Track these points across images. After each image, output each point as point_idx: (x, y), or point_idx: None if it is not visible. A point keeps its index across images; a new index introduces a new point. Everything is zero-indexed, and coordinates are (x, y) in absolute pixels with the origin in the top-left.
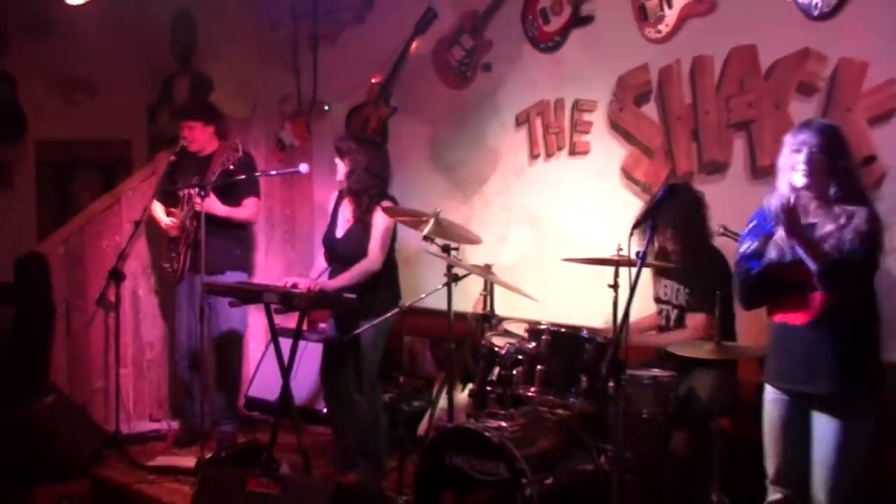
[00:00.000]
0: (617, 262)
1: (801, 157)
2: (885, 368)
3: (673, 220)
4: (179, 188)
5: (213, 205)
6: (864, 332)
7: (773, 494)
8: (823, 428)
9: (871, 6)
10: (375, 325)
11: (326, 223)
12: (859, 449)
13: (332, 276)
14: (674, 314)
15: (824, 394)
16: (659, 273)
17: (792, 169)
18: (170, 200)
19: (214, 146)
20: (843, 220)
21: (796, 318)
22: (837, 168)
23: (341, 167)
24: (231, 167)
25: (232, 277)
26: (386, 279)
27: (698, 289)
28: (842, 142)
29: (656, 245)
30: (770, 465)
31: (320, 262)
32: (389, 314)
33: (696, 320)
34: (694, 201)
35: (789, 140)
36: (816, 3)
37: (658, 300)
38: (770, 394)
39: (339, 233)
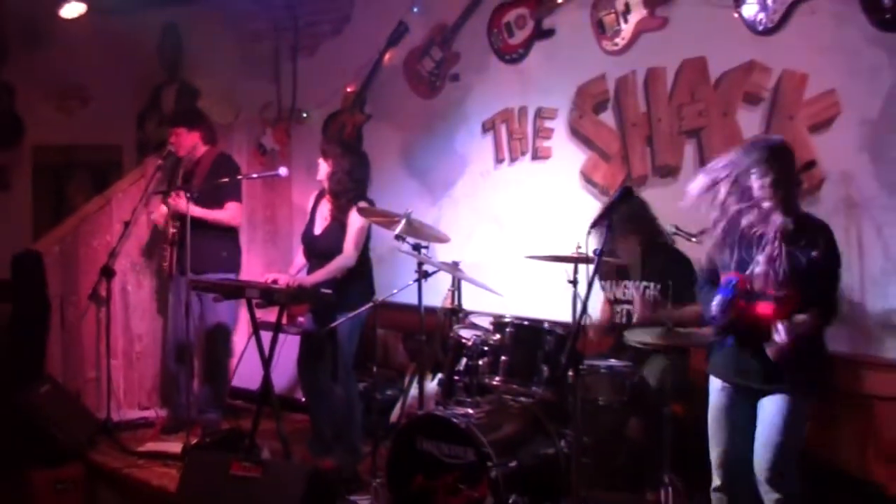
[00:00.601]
0: (576, 260)
1: (768, 180)
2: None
3: (629, 223)
4: (170, 189)
5: (190, 207)
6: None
7: (716, 480)
8: (768, 411)
9: (811, 23)
10: (351, 319)
11: (305, 222)
12: (799, 430)
13: (309, 271)
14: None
15: (770, 389)
16: (617, 275)
17: (759, 189)
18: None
19: (202, 151)
20: (812, 253)
21: (750, 319)
22: (791, 184)
23: (324, 167)
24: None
25: (223, 277)
26: (360, 275)
27: (679, 278)
28: (792, 157)
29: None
30: (713, 451)
31: (299, 259)
32: (364, 308)
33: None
34: (640, 205)
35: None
36: (761, 20)
37: (616, 301)
38: (716, 382)
39: (318, 230)
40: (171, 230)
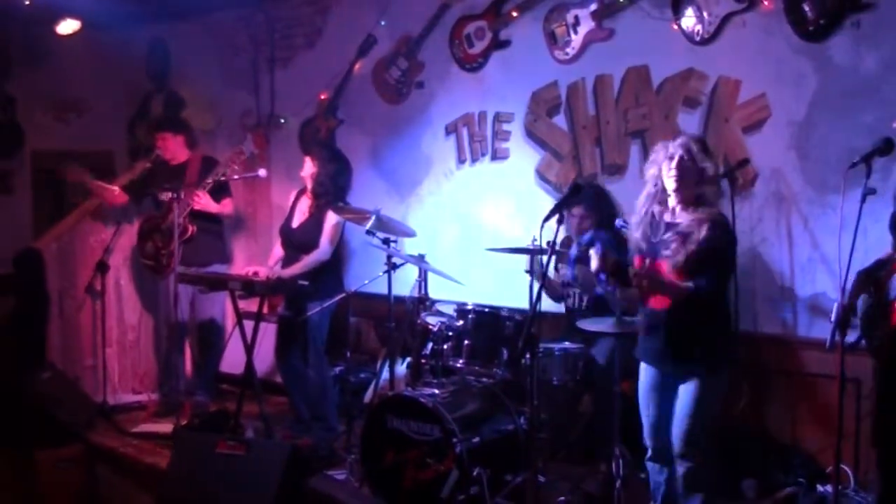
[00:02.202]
0: (531, 251)
1: (673, 164)
2: (737, 338)
3: (581, 212)
4: (165, 189)
5: (209, 203)
6: (714, 313)
7: (649, 451)
8: (681, 393)
9: (743, 34)
10: (324, 308)
11: (283, 220)
12: (710, 404)
13: (286, 261)
14: (586, 297)
15: (681, 370)
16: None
17: (667, 174)
18: (140, 201)
19: (185, 156)
20: (702, 231)
21: (658, 304)
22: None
23: (309, 166)
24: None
25: (218, 269)
26: (332, 268)
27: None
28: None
29: (564, 235)
30: (644, 426)
31: (277, 251)
32: (336, 298)
33: None
34: (596, 195)
35: (660, 149)
36: (698, 31)
37: (567, 285)
38: (643, 365)
39: (295, 223)
40: (192, 228)
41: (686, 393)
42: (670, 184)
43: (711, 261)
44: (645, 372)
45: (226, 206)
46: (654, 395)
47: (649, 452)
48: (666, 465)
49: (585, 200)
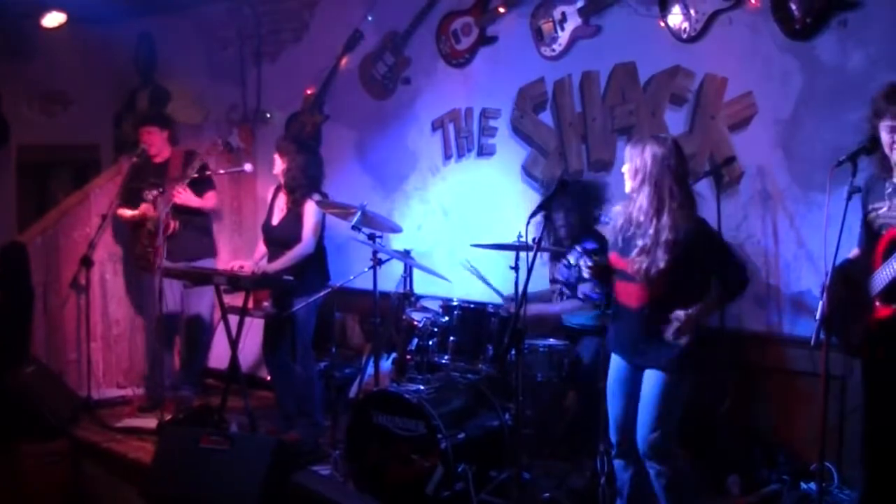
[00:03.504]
0: (517, 247)
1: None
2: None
3: (566, 209)
4: (151, 186)
5: (190, 198)
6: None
7: (614, 448)
8: (648, 383)
9: (729, 32)
10: (311, 303)
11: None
12: (674, 401)
13: (269, 258)
14: (568, 292)
15: (647, 365)
16: (554, 258)
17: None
18: (133, 200)
19: (168, 152)
20: (663, 236)
21: (630, 301)
22: (675, 181)
23: (279, 163)
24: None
25: (206, 263)
26: (317, 263)
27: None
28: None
29: (550, 232)
30: (610, 420)
31: (260, 247)
32: (322, 293)
33: None
34: (582, 192)
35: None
36: (685, 28)
37: (554, 281)
38: (612, 356)
39: (275, 221)
40: (173, 224)
41: (647, 392)
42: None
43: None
44: (614, 364)
45: (208, 200)
46: (620, 388)
47: (614, 450)
48: (631, 464)
49: (567, 201)
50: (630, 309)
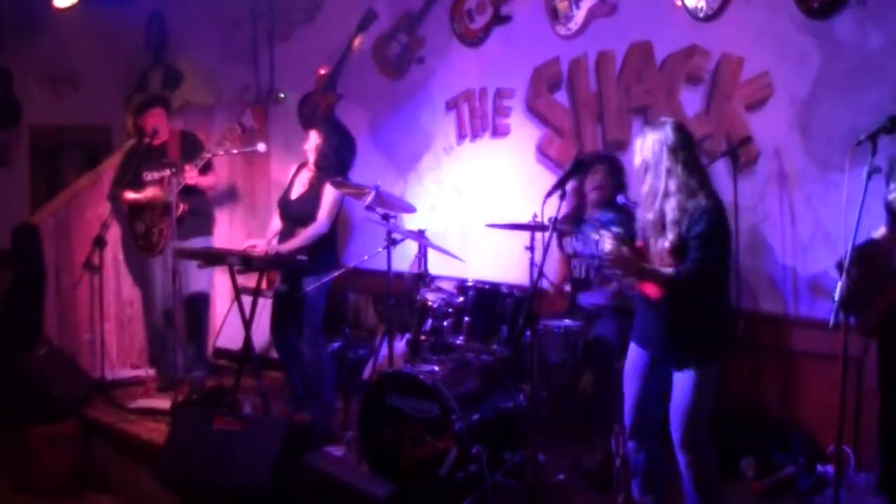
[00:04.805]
0: (532, 227)
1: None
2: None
3: (603, 173)
4: (159, 168)
5: (200, 179)
6: (706, 305)
7: (629, 433)
8: (678, 382)
9: (747, 10)
10: (321, 284)
11: (281, 194)
12: (705, 393)
13: (283, 233)
14: (594, 263)
15: (671, 358)
16: (574, 230)
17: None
18: (135, 183)
19: (166, 134)
20: (684, 225)
21: (651, 292)
22: (676, 162)
23: (314, 138)
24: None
25: (199, 242)
26: (328, 244)
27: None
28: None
29: (566, 211)
30: (626, 406)
31: (275, 224)
32: (333, 274)
33: None
34: (611, 164)
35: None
36: (701, 7)
37: (575, 255)
38: (633, 345)
39: (293, 195)
40: (182, 206)
41: (680, 385)
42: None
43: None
44: (634, 352)
45: (210, 179)
46: (637, 374)
47: (628, 431)
48: (643, 446)
49: (602, 171)
50: (652, 300)
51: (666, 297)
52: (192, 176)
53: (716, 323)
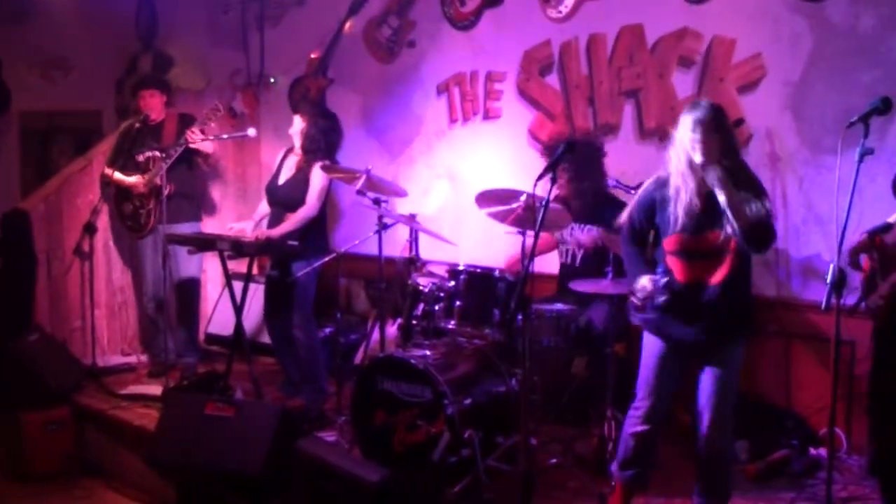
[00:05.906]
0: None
1: (698, 136)
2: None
3: (574, 170)
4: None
5: (203, 143)
6: (744, 286)
7: (641, 410)
8: (706, 378)
9: None
10: (312, 269)
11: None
12: (735, 384)
13: (272, 219)
14: (580, 252)
15: (725, 336)
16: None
17: (692, 148)
18: (129, 165)
19: (164, 115)
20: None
21: (708, 276)
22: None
23: (299, 123)
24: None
25: (188, 227)
26: (318, 228)
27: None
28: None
29: (557, 194)
30: (643, 393)
31: (263, 207)
32: (324, 259)
33: None
34: (591, 152)
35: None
36: None
37: (562, 241)
38: (650, 336)
39: (281, 180)
40: (169, 186)
41: (711, 379)
42: (697, 157)
43: None
44: (653, 342)
45: (211, 145)
46: (661, 366)
47: (641, 409)
48: (645, 424)
49: (573, 161)
50: (705, 284)
51: (726, 276)
52: (194, 139)
53: (750, 297)
